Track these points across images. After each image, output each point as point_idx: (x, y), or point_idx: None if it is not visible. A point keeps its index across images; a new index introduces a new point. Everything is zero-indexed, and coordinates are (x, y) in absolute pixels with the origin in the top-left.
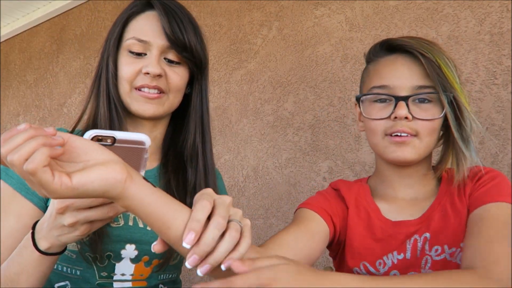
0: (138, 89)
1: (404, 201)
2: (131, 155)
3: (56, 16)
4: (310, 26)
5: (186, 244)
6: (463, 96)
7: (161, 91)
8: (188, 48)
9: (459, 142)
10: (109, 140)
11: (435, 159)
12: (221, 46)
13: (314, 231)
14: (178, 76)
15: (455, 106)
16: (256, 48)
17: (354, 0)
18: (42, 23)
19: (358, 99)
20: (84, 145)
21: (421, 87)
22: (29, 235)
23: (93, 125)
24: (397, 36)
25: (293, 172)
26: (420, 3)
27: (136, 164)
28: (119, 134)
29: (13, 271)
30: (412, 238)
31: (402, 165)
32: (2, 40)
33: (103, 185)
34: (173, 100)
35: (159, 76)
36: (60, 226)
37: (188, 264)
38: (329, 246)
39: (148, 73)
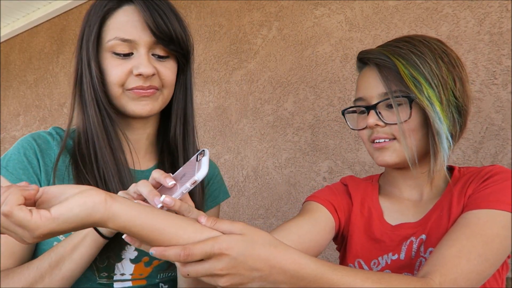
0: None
1: (409, 202)
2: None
3: (56, 16)
4: (310, 26)
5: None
6: (426, 96)
7: (155, 89)
8: (174, 40)
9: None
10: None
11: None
12: (221, 46)
13: (318, 220)
14: (169, 71)
15: (426, 106)
16: (256, 48)
17: (354, 0)
18: (42, 23)
19: (343, 113)
20: (59, 188)
21: (386, 93)
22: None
23: (85, 133)
24: (397, 36)
25: (293, 172)
26: (420, 3)
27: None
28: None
29: (62, 251)
30: (409, 240)
31: (392, 168)
32: (2, 40)
33: (83, 210)
34: (167, 96)
35: (152, 75)
36: None
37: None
38: (335, 239)
39: (140, 74)
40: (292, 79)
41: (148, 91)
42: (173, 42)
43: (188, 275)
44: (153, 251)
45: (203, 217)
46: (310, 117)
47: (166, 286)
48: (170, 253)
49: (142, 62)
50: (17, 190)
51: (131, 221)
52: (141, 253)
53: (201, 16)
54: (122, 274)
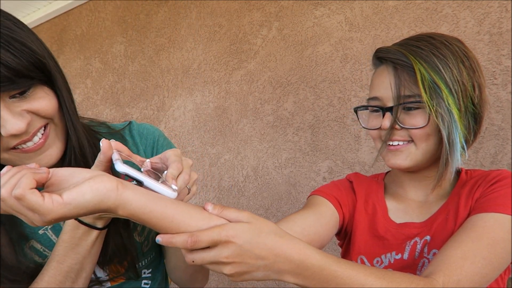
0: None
1: (414, 202)
2: None
3: (56, 16)
4: (310, 26)
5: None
6: (445, 104)
7: (44, 127)
8: (17, 74)
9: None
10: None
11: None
12: (221, 46)
13: (323, 214)
14: (42, 100)
15: (444, 114)
16: (256, 48)
17: (354, 0)
18: (43, 23)
19: (355, 111)
20: (69, 171)
21: (405, 96)
22: (76, 225)
23: None
24: (397, 36)
25: (293, 172)
26: (420, 3)
27: None
28: (147, 183)
29: (72, 262)
30: (413, 240)
31: (404, 172)
32: None
33: (95, 196)
34: (61, 123)
35: (27, 124)
36: None
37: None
38: (338, 235)
39: (14, 135)
40: (292, 79)
41: (37, 143)
42: (18, 76)
43: (193, 262)
44: (160, 238)
45: (209, 205)
46: (310, 117)
47: (150, 270)
48: (177, 240)
49: (6, 119)
50: (30, 174)
51: (141, 208)
52: (111, 257)
53: (201, 16)
54: (98, 278)
